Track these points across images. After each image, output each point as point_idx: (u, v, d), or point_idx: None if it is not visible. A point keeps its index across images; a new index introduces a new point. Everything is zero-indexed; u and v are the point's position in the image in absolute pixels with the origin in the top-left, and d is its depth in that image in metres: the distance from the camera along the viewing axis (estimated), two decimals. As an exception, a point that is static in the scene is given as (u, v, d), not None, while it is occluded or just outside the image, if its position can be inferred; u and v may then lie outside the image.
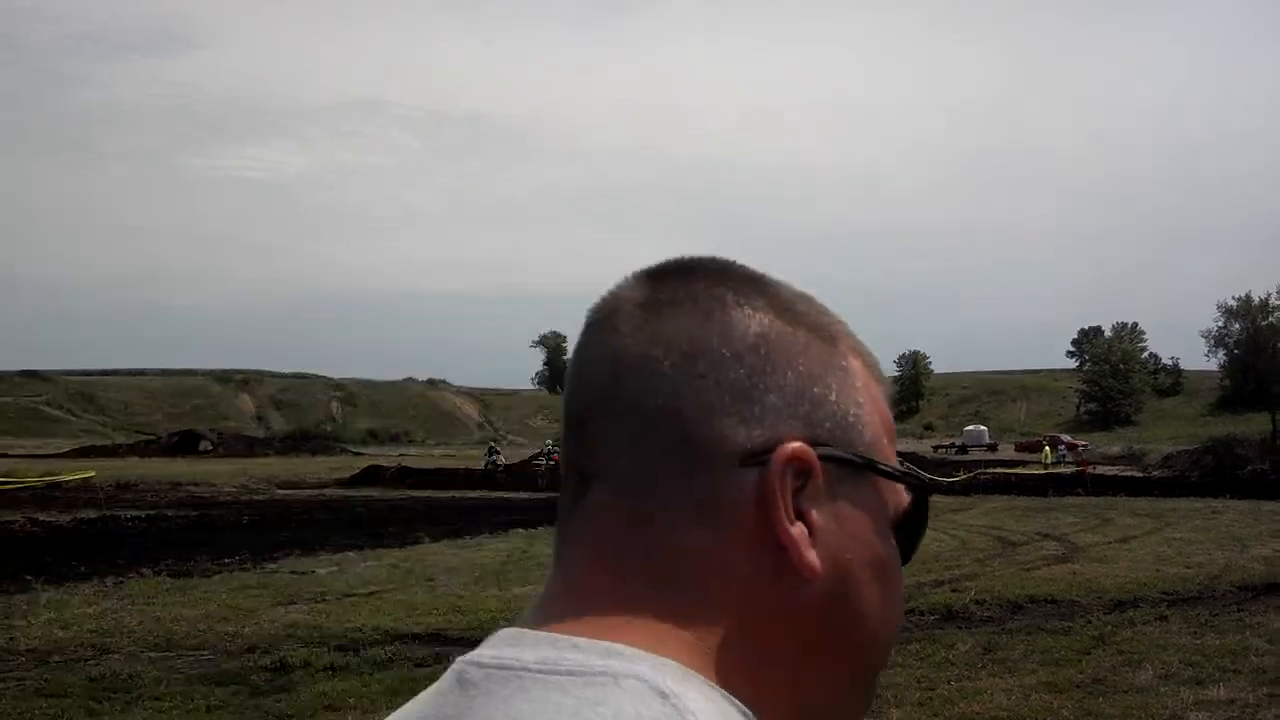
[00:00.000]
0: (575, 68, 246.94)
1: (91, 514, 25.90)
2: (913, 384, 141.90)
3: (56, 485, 33.46)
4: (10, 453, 66.72)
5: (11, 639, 10.39)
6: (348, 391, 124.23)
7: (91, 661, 9.45)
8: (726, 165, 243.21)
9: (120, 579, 14.59)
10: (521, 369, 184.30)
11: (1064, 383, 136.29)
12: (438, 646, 10.01)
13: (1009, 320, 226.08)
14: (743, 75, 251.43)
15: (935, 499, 19.60)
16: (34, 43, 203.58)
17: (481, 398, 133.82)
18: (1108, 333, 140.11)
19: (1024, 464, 54.63)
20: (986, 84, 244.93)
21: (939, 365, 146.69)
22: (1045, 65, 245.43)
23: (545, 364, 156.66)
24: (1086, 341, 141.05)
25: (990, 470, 47.37)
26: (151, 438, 79.48)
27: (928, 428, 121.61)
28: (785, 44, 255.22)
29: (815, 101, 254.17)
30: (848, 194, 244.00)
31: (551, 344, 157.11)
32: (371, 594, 13.24)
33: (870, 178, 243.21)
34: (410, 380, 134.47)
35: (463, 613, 11.80)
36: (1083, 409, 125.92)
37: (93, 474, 32.42)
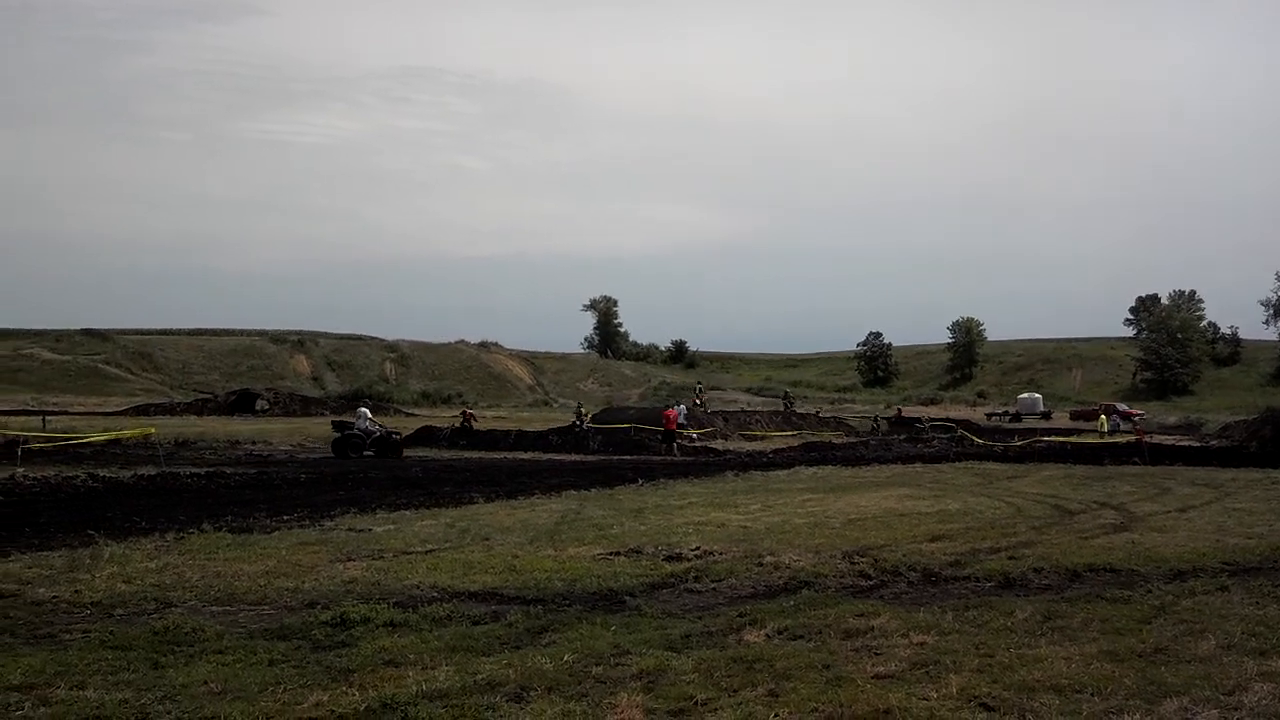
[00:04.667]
0: (624, 34, 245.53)
1: (151, 470, 26.29)
2: (966, 351, 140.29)
3: (117, 442, 33.94)
4: (71, 410, 67.79)
5: (76, 592, 10.56)
6: (401, 353, 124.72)
7: (154, 615, 9.59)
8: (774, 133, 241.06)
9: (181, 534, 14.79)
10: (572, 333, 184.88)
11: (1120, 351, 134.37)
12: (494, 605, 10.07)
13: (1064, 287, 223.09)
14: (792, 42, 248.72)
15: (991, 466, 19.62)
16: (88, 12, 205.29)
17: (533, 360, 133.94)
18: (1165, 301, 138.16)
19: (1079, 432, 54.17)
20: (1038, 48, 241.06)
21: (992, 333, 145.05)
22: (1098, 31, 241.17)
23: (596, 328, 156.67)
24: (1144, 309, 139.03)
25: (1046, 438, 46.94)
26: (209, 396, 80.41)
27: (980, 395, 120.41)
28: (837, 9, 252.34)
29: (864, 68, 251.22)
30: (899, 160, 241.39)
31: (602, 308, 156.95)
32: (428, 552, 13.33)
33: (921, 144, 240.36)
34: (463, 342, 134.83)
35: (518, 572, 11.86)
36: (1139, 378, 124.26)
37: (153, 430, 32.76)
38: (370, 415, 37.59)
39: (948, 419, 66.70)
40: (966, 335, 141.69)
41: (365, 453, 34.90)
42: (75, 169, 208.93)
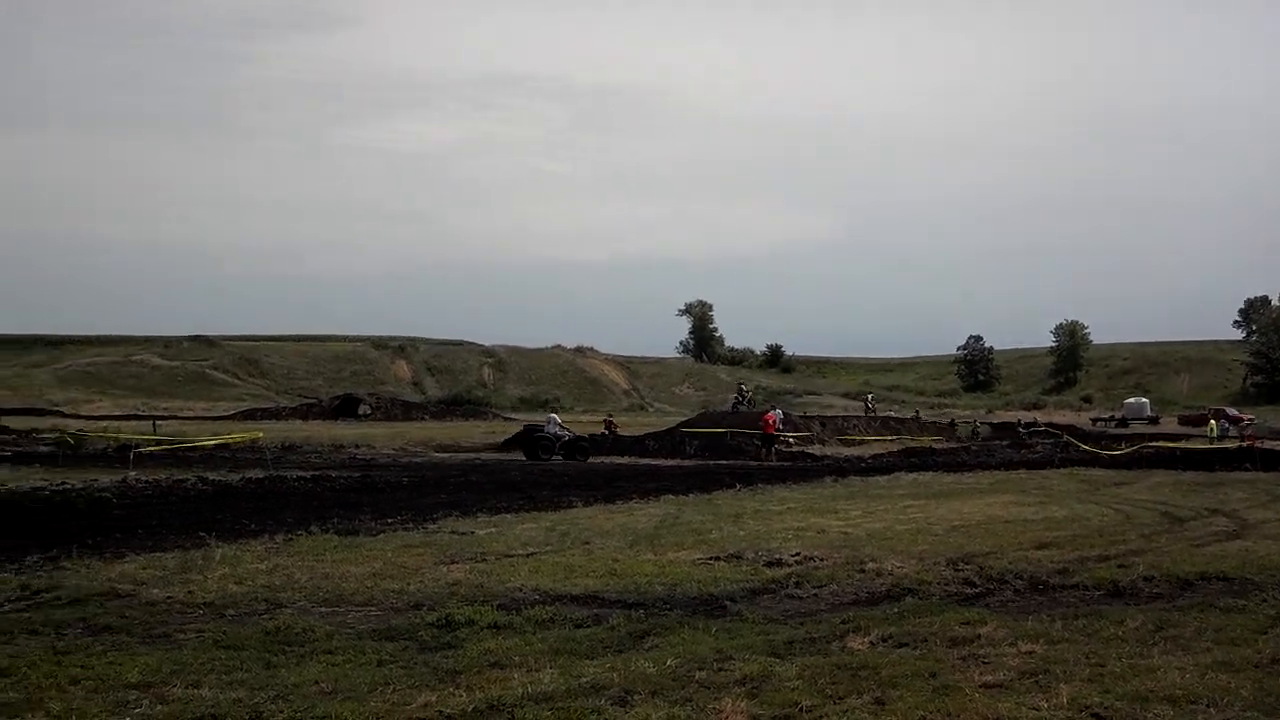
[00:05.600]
0: (710, 35, 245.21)
1: (259, 474, 26.86)
2: (1070, 355, 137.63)
3: (225, 446, 34.73)
4: (180, 414, 69.53)
5: (190, 592, 10.80)
6: (498, 358, 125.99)
7: (265, 615, 9.78)
8: (863, 133, 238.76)
9: (289, 536, 15.07)
10: (667, 337, 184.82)
11: (1230, 354, 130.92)
12: (596, 608, 10.12)
13: (1171, 289, 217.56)
14: (876, 43, 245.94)
15: (1097, 472, 19.17)
16: (188, 24, 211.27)
17: (628, 365, 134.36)
18: (1275, 302, 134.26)
19: (1188, 438, 52.89)
20: (1138, 40, 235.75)
21: (1098, 336, 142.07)
22: (1198, 23, 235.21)
23: (691, 332, 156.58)
24: (1254, 311, 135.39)
25: (1153, 444, 45.90)
26: (313, 401, 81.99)
27: (1086, 400, 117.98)
28: (922, 10, 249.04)
29: (949, 66, 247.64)
30: (996, 159, 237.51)
31: (697, 312, 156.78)
32: (530, 555, 13.44)
33: (1016, 141, 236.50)
34: (559, 347, 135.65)
35: (619, 576, 11.90)
36: (1249, 381, 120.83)
37: (260, 434, 33.55)
38: (559, 421, 40.62)
39: (1050, 424, 65.50)
40: (1070, 338, 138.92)
41: (554, 456, 36.59)
42: (181, 177, 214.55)
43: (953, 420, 70.22)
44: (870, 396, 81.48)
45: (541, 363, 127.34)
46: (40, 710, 6.82)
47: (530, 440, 38.23)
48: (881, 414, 68.10)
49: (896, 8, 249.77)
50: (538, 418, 74.75)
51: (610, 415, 65.87)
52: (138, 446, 31.20)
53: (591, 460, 37.82)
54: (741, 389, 57.52)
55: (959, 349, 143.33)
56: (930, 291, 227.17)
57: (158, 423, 52.05)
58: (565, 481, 26.09)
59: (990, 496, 22.10)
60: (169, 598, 10.56)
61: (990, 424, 67.93)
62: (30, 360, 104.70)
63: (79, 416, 65.12)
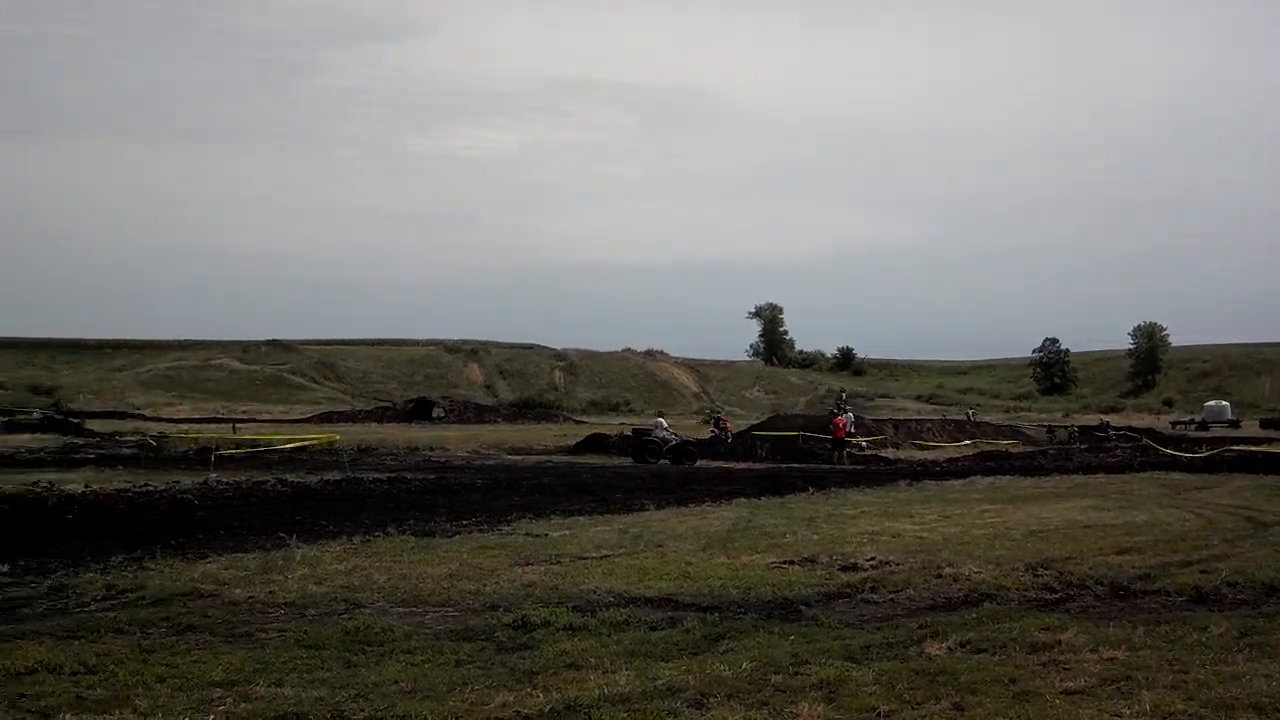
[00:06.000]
0: (782, 42, 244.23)
1: (336, 475, 27.18)
2: (1149, 357, 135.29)
3: (303, 448, 35.24)
4: (258, 417, 70.62)
5: (271, 593, 10.98)
6: (569, 361, 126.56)
7: (344, 615, 9.91)
8: (940, 135, 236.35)
9: (367, 537, 15.26)
10: (737, 340, 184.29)
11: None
12: (670, 611, 10.12)
13: (1252, 290, 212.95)
14: (950, 44, 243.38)
15: (1178, 477, 18.77)
16: (264, 34, 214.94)
17: (698, 368, 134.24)
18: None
19: (1270, 441, 51.79)
20: (1214, 43, 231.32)
21: (1177, 338, 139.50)
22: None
23: (761, 336, 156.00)
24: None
25: (1235, 447, 44.98)
26: (388, 404, 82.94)
27: (1166, 403, 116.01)
28: (992, 13, 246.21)
29: (1025, 67, 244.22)
30: (1072, 160, 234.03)
31: (767, 315, 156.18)
32: (603, 558, 13.48)
33: (1096, 143, 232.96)
34: (629, 351, 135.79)
35: (692, 579, 11.89)
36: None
37: (337, 437, 34.00)
38: (666, 424, 41.14)
39: (1129, 427, 64.49)
40: (1149, 340, 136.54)
41: (661, 460, 36.92)
42: (259, 185, 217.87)
43: (1049, 426, 69.34)
44: (972, 411, 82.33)
45: (612, 366, 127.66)
46: (127, 707, 6.98)
47: (638, 444, 38.70)
48: (882, 417, 68.71)
49: (969, 12, 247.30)
50: (610, 420, 75.24)
51: (719, 413, 65.83)
52: (218, 449, 31.74)
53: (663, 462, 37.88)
54: (842, 394, 57.45)
55: (1035, 351, 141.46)
56: (1006, 294, 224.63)
57: (237, 425, 52.91)
58: (637, 484, 26.07)
59: (1069, 501, 21.77)
60: (251, 598, 10.73)
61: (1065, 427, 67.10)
62: (113, 364, 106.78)
63: (160, 419, 66.40)
